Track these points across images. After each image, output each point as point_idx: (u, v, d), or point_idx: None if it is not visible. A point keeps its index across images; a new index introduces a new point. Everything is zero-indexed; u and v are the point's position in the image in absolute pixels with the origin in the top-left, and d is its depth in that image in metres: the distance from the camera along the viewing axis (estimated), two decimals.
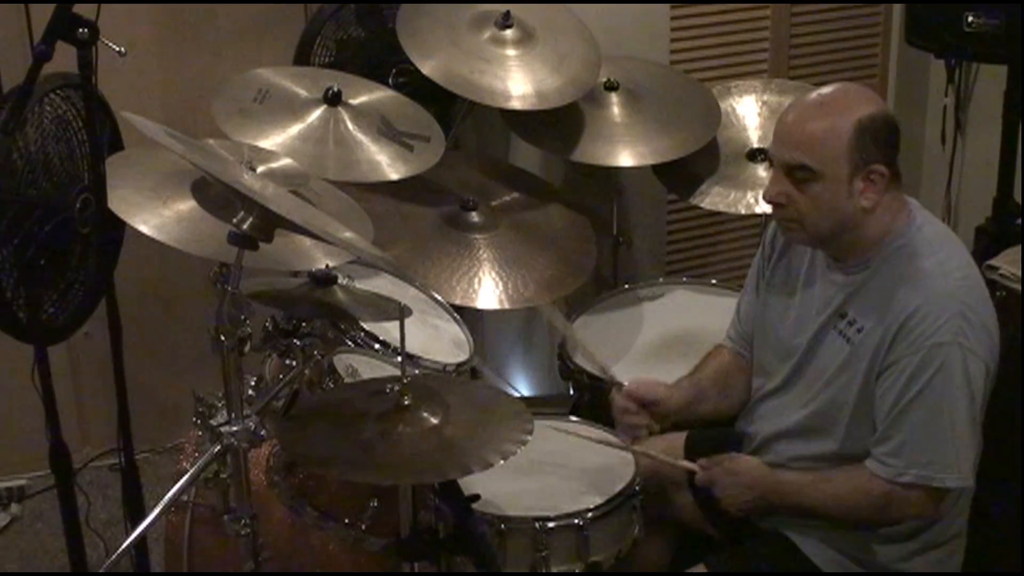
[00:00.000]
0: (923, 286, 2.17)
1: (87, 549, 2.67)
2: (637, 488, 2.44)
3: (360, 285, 2.58)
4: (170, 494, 2.19)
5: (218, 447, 2.17)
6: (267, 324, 2.56)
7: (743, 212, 3.27)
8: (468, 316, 3.01)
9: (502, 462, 2.08)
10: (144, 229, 2.25)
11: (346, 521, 2.37)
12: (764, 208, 3.21)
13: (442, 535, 2.28)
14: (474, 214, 3.09)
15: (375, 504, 2.35)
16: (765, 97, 3.48)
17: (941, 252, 2.21)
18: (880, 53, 4.05)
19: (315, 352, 2.48)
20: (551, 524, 2.32)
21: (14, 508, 3.47)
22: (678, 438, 2.60)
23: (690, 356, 2.69)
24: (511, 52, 3.15)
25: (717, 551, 2.45)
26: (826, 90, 2.25)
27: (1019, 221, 3.58)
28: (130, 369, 2.39)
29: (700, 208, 3.36)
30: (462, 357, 2.81)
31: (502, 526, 2.33)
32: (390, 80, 3.27)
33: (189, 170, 2.27)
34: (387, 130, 2.95)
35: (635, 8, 3.64)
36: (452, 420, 2.14)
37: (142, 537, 2.22)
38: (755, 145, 3.36)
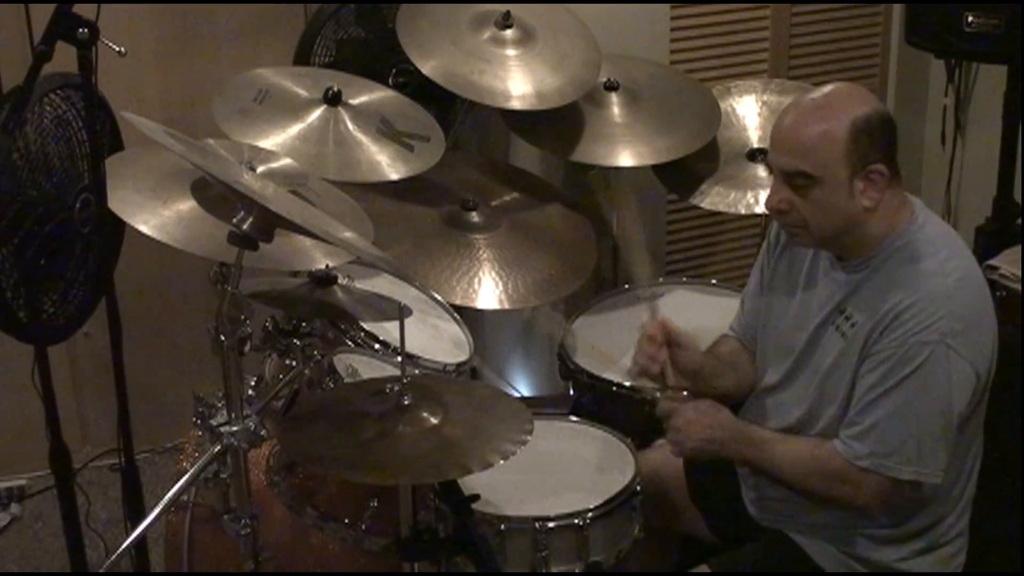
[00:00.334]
0: (920, 284, 2.17)
1: (87, 549, 2.67)
2: (637, 488, 2.44)
3: (360, 285, 2.59)
4: (170, 494, 2.20)
5: (218, 447, 2.18)
6: (267, 324, 2.56)
7: (743, 212, 3.27)
8: (468, 316, 3.01)
9: (502, 462, 2.08)
10: (144, 229, 2.25)
11: (346, 521, 2.38)
12: (764, 208, 3.22)
13: (442, 535, 2.28)
14: (474, 214, 3.09)
15: (375, 504, 2.35)
16: (765, 97, 3.48)
17: (942, 252, 2.21)
18: (880, 53, 4.05)
19: (315, 352, 2.48)
20: (551, 524, 2.32)
21: (14, 508, 3.47)
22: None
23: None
24: (511, 52, 3.15)
25: (719, 551, 2.44)
26: (819, 93, 2.24)
27: (1019, 221, 3.58)
28: (130, 369, 2.39)
29: (700, 208, 3.36)
30: (462, 357, 2.81)
31: (502, 526, 2.33)
32: (390, 80, 3.27)
33: (189, 170, 2.27)
34: (387, 130, 2.95)
35: (635, 8, 3.64)
36: (452, 420, 2.14)
37: (142, 537, 2.22)
38: (755, 145, 3.36)
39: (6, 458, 3.50)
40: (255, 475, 2.45)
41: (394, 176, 2.90)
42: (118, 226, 2.37)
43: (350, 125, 2.93)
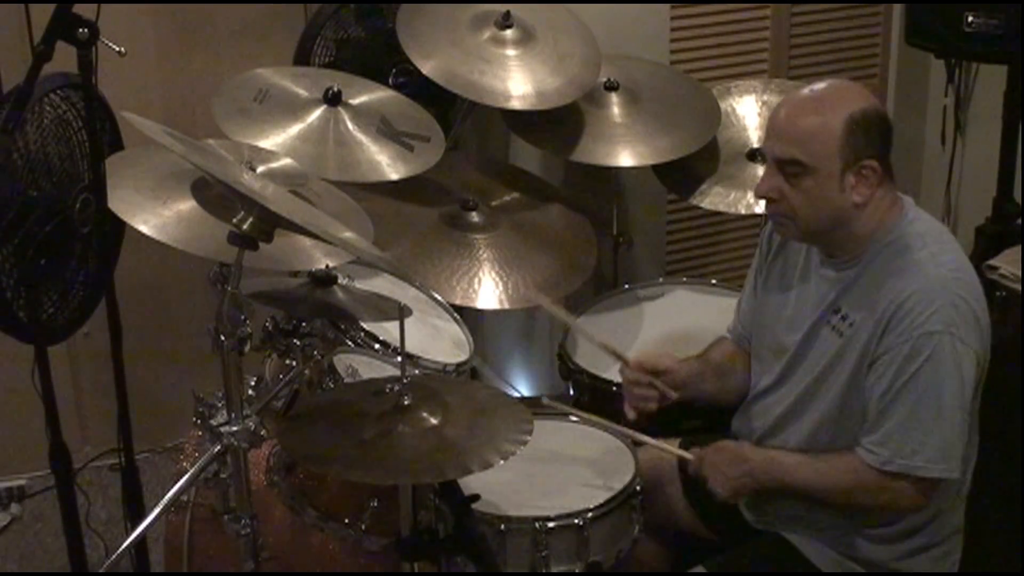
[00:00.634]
0: (915, 276, 2.17)
1: (87, 549, 2.67)
2: (637, 488, 2.44)
3: (360, 285, 2.59)
4: (170, 494, 2.20)
5: (218, 447, 2.18)
6: (267, 324, 2.56)
7: (743, 212, 3.27)
8: (468, 316, 3.01)
9: (502, 462, 2.08)
10: (144, 229, 2.25)
11: (346, 521, 2.38)
12: (764, 208, 3.22)
13: (442, 535, 2.28)
14: (474, 214, 3.09)
15: (375, 504, 2.35)
16: (765, 97, 3.48)
17: (933, 245, 2.22)
18: (880, 53, 4.05)
19: (315, 352, 2.48)
20: (551, 524, 2.32)
21: (14, 508, 3.47)
22: (671, 443, 2.59)
23: (690, 356, 2.68)
24: (511, 52, 3.15)
25: (716, 552, 2.44)
26: (818, 86, 2.26)
27: (1019, 221, 3.58)
28: (130, 369, 2.39)
29: (700, 208, 3.36)
30: (462, 357, 2.81)
31: (502, 526, 2.33)
32: (390, 80, 3.27)
33: (189, 170, 2.27)
34: (387, 130, 2.95)
35: (635, 8, 3.64)
36: (452, 420, 2.14)
37: (142, 537, 2.23)
38: (755, 145, 3.36)
39: (6, 458, 3.50)
40: (255, 475, 2.45)
41: (394, 176, 2.90)
42: (118, 226, 2.37)
43: (350, 125, 2.93)
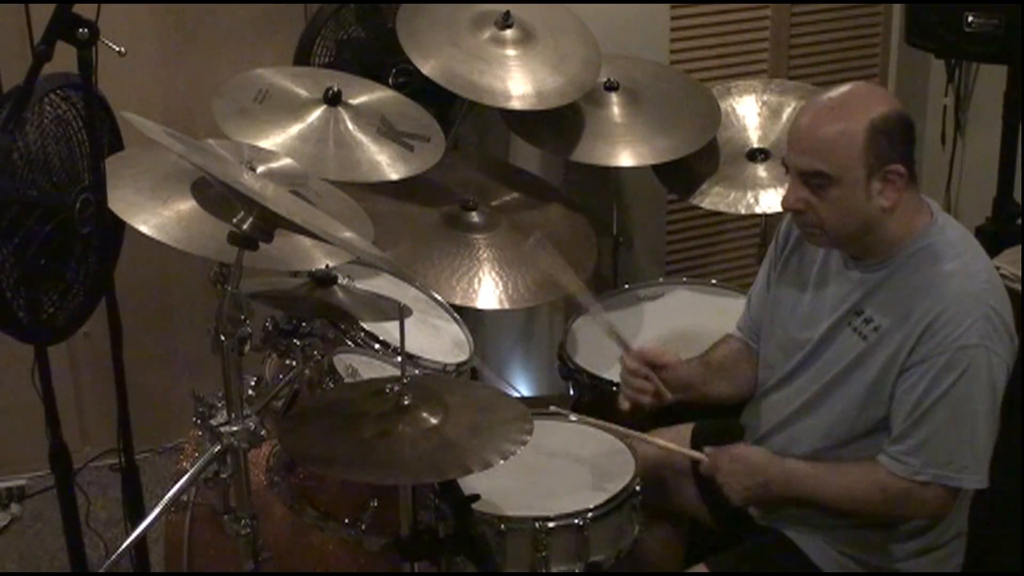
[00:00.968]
0: (949, 288, 2.16)
1: (87, 549, 2.67)
2: (637, 488, 2.44)
3: (360, 285, 2.58)
4: (170, 494, 2.20)
5: (218, 447, 2.17)
6: (267, 324, 2.56)
7: (743, 212, 3.27)
8: (468, 316, 3.01)
9: (502, 462, 2.08)
10: (144, 229, 2.25)
11: (346, 521, 2.38)
12: (764, 208, 3.23)
13: (442, 535, 2.28)
14: (474, 214, 3.09)
15: (375, 504, 2.35)
16: (765, 97, 3.48)
17: (965, 255, 2.21)
18: (880, 53, 4.05)
19: (315, 352, 2.48)
20: (551, 524, 2.32)
21: (14, 508, 3.47)
22: (685, 429, 2.60)
23: (690, 356, 2.68)
24: (511, 52, 3.15)
25: (718, 551, 2.44)
26: (837, 92, 2.22)
27: (1019, 221, 3.58)
28: (130, 369, 2.39)
29: (700, 208, 3.36)
30: (462, 357, 2.81)
31: (502, 526, 2.32)
32: (390, 80, 3.27)
33: (189, 170, 2.27)
34: (387, 130, 2.95)
35: (635, 8, 3.64)
36: (452, 420, 2.14)
37: (142, 537, 2.22)
38: (755, 145, 3.36)
39: (6, 458, 3.50)
40: (255, 475, 2.45)
41: (394, 176, 2.89)
42: (118, 226, 2.37)
43: (350, 125, 2.93)
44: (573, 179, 3.67)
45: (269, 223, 2.02)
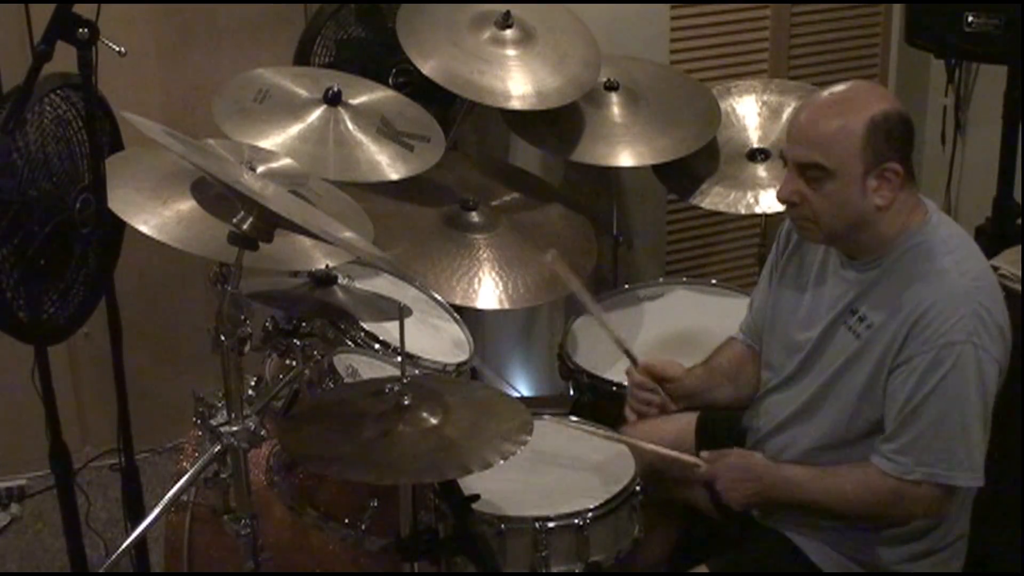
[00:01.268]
0: (938, 284, 2.16)
1: (87, 549, 2.67)
2: (637, 488, 2.44)
3: (360, 285, 2.59)
4: (170, 494, 2.19)
5: (218, 447, 2.17)
6: (267, 324, 2.56)
7: (743, 212, 3.27)
8: (468, 316, 3.01)
9: (502, 462, 2.08)
10: (144, 229, 2.25)
11: (346, 521, 2.37)
12: (764, 208, 3.23)
13: (442, 535, 2.28)
14: (474, 214, 3.09)
15: (375, 504, 2.35)
16: (765, 97, 3.48)
17: (958, 252, 2.21)
18: (880, 53, 4.05)
19: (315, 352, 2.48)
20: (551, 524, 2.32)
21: (14, 508, 3.47)
22: (690, 420, 2.59)
23: (690, 356, 2.68)
24: (511, 52, 3.15)
25: (718, 552, 2.44)
26: (839, 88, 2.24)
27: (1019, 221, 3.58)
28: (130, 369, 2.39)
29: (700, 208, 3.36)
30: (462, 357, 2.81)
31: (502, 526, 2.32)
32: (390, 80, 3.27)
33: (189, 170, 2.27)
34: (387, 130, 2.95)
35: (635, 8, 3.64)
36: (452, 420, 2.14)
37: (142, 537, 2.22)
38: (755, 145, 3.36)
39: (6, 458, 3.50)
40: (255, 475, 2.45)
41: (394, 176, 2.90)
42: (118, 226, 2.37)
43: (350, 125, 2.93)
44: (573, 179, 3.67)
45: (269, 223, 2.02)
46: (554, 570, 2.34)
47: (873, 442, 2.23)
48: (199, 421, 2.25)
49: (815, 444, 2.32)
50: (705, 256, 4.00)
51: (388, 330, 2.63)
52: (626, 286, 3.37)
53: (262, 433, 2.18)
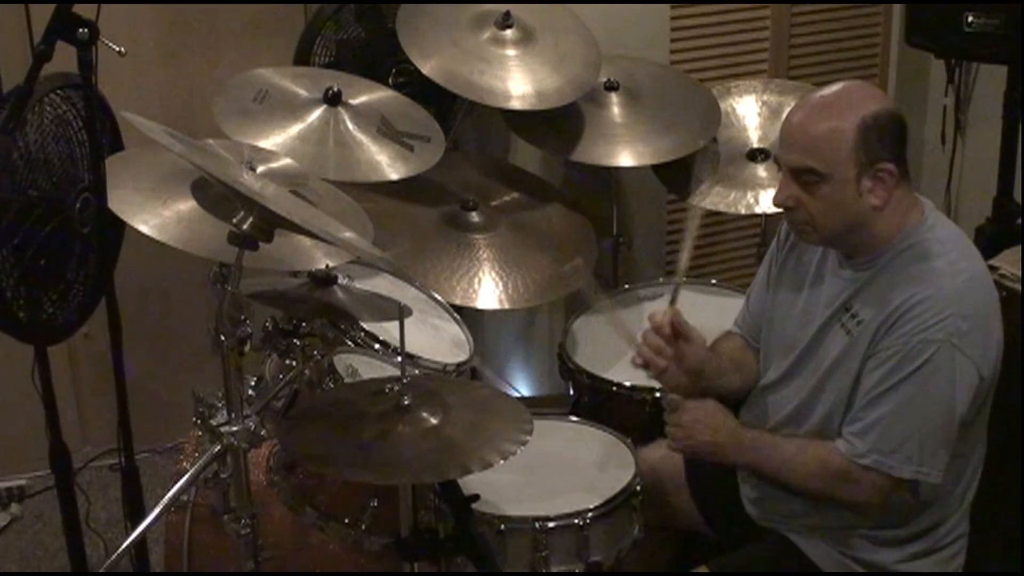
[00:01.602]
0: (929, 282, 2.16)
1: (87, 549, 2.67)
2: (637, 488, 2.44)
3: (360, 285, 2.58)
4: (170, 494, 2.20)
5: (218, 447, 2.18)
6: (267, 324, 2.56)
7: (743, 212, 3.27)
8: (468, 316, 3.01)
9: (502, 462, 2.08)
10: (144, 229, 2.25)
11: (346, 521, 2.38)
12: (764, 208, 3.23)
13: (442, 535, 2.28)
14: (474, 214, 3.09)
15: (375, 504, 2.35)
16: (765, 97, 3.48)
17: (953, 252, 2.21)
18: (880, 53, 4.05)
19: (315, 352, 2.48)
20: (551, 524, 2.32)
21: (14, 508, 3.47)
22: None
23: None
24: (511, 52, 3.15)
25: (719, 553, 2.44)
26: (829, 90, 2.24)
27: (1019, 221, 3.58)
28: (130, 369, 2.39)
29: (700, 208, 3.36)
30: (462, 357, 2.81)
31: (502, 526, 2.33)
32: (390, 80, 3.26)
33: (189, 170, 2.27)
34: (387, 130, 2.95)
35: (635, 8, 3.64)
36: (452, 420, 2.14)
37: (142, 537, 2.23)
38: (755, 145, 3.36)
39: (6, 458, 3.50)
40: (255, 475, 2.45)
41: (394, 176, 2.89)
42: (118, 226, 2.37)
43: (350, 125, 2.93)
44: (573, 179, 3.67)
45: (269, 223, 2.03)
46: (554, 570, 2.34)
47: None
48: (199, 421, 2.25)
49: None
50: (705, 256, 4.00)
51: (388, 330, 2.63)
52: (626, 286, 3.37)
53: (262, 433, 2.18)
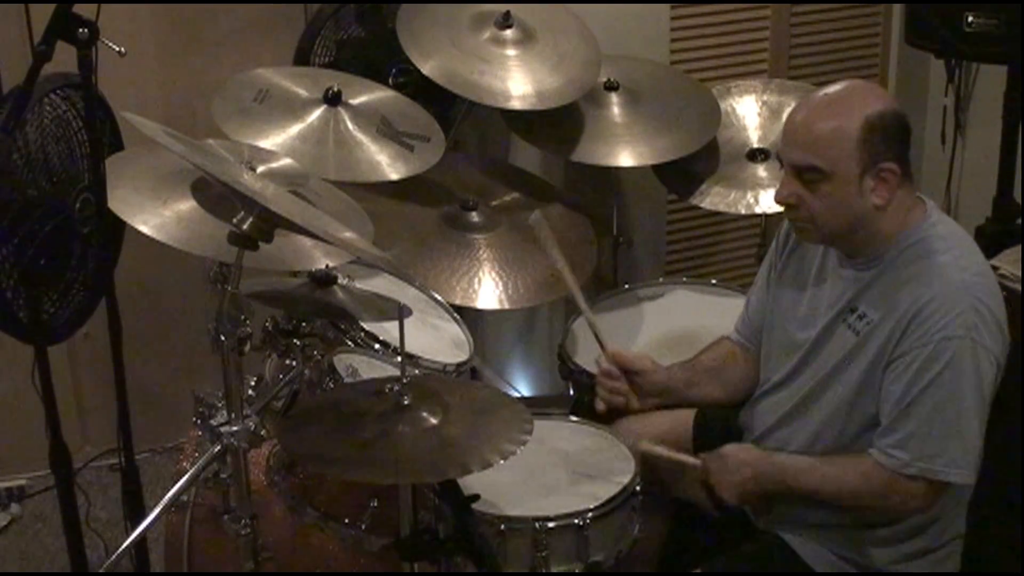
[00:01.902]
0: (937, 279, 2.16)
1: (87, 549, 2.67)
2: (637, 488, 2.44)
3: (360, 285, 2.58)
4: (170, 494, 2.20)
5: (218, 447, 2.18)
6: (267, 324, 2.56)
7: (743, 212, 3.27)
8: (468, 316, 3.01)
9: (502, 462, 2.08)
10: (144, 229, 2.25)
11: (346, 521, 2.38)
12: (764, 208, 3.23)
13: (442, 535, 2.28)
14: (474, 214, 3.09)
15: (375, 504, 2.35)
16: (765, 97, 3.48)
17: (957, 249, 2.21)
18: (880, 53, 4.05)
19: (315, 352, 2.48)
20: (551, 524, 2.32)
21: (14, 508, 3.47)
22: (687, 419, 2.59)
23: (690, 356, 2.68)
24: (511, 52, 3.15)
25: (713, 554, 2.43)
26: (833, 89, 2.24)
27: (1019, 221, 3.58)
28: (130, 369, 2.39)
29: (700, 208, 3.36)
30: (462, 357, 2.81)
31: (502, 526, 2.32)
32: (390, 80, 3.27)
33: (189, 170, 2.27)
34: (387, 130, 2.95)
35: (635, 8, 3.64)
36: (452, 420, 2.14)
37: (142, 537, 2.23)
38: (755, 145, 3.36)
39: (6, 458, 3.50)
40: (255, 475, 2.45)
41: (394, 176, 2.90)
42: (118, 226, 2.37)
43: (350, 125, 2.93)
44: (573, 179, 3.67)
45: (269, 223, 2.03)
46: (554, 570, 2.34)
47: (867, 439, 2.23)
48: (199, 421, 2.25)
49: (810, 441, 2.32)
50: (705, 256, 4.00)
51: (388, 330, 2.63)
52: (626, 286, 3.37)
53: (262, 433, 2.18)
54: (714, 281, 3.41)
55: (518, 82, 3.10)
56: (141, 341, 3.22)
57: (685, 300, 3.32)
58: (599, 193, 3.58)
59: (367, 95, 3.04)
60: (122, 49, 2.23)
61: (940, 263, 2.18)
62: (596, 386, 2.55)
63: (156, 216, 2.27)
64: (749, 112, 3.45)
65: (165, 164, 2.36)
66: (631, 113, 3.31)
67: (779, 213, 2.32)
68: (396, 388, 2.16)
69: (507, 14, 3.16)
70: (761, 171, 3.31)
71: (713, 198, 3.29)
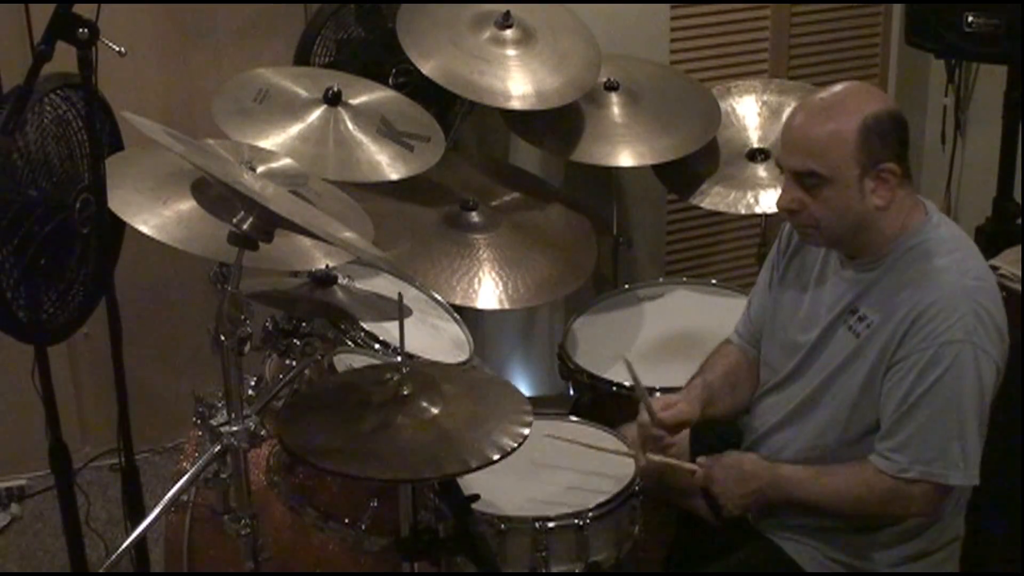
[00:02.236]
0: (938, 283, 2.16)
1: (87, 549, 2.67)
2: (637, 488, 2.44)
3: (360, 285, 2.59)
4: (170, 494, 2.20)
5: (218, 447, 2.17)
6: (267, 324, 2.56)
7: (743, 212, 3.27)
8: (468, 316, 3.01)
9: (502, 462, 2.08)
10: (144, 229, 2.25)
11: (346, 521, 2.38)
12: (764, 208, 3.23)
13: (442, 535, 2.28)
14: (474, 214, 3.09)
15: (375, 504, 2.35)
16: (765, 97, 3.48)
17: (958, 252, 2.21)
18: (880, 53, 4.05)
19: (315, 352, 2.48)
20: (551, 524, 2.32)
21: (14, 508, 3.47)
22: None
23: (690, 356, 2.68)
24: (511, 52, 3.15)
25: (710, 559, 2.43)
26: (829, 92, 2.23)
27: (1019, 221, 3.58)
28: (130, 369, 2.39)
29: (700, 208, 3.36)
30: (462, 357, 2.81)
31: (502, 526, 2.33)
32: (390, 80, 3.27)
33: (189, 170, 2.27)
34: (387, 130, 2.95)
35: (635, 8, 3.64)
36: (451, 413, 2.14)
37: (142, 537, 2.22)
38: (755, 145, 3.36)
39: (6, 458, 3.50)
40: (255, 475, 2.45)
41: (394, 176, 2.89)
42: (118, 226, 2.37)
43: (350, 125, 2.93)
44: (573, 179, 3.67)
45: (269, 223, 2.02)
46: (554, 570, 2.34)
47: (868, 443, 2.23)
48: (199, 421, 2.25)
49: (810, 444, 2.31)
50: (705, 256, 4.00)
51: (388, 330, 2.63)
52: (626, 286, 3.37)
53: (262, 433, 2.18)
54: (714, 281, 3.41)
55: (518, 82, 3.10)
56: (141, 341, 3.21)
57: (685, 300, 3.32)
58: (599, 193, 3.58)
59: (367, 95, 3.04)
60: (122, 49, 2.23)
61: (941, 266, 2.18)
62: (637, 447, 2.44)
63: (156, 216, 2.27)
64: (749, 112, 3.45)
65: (165, 164, 2.36)
66: (631, 113, 3.31)
67: (779, 213, 2.32)
68: (395, 378, 2.15)
69: (507, 14, 3.16)
70: (761, 171, 3.31)
71: (713, 198, 3.29)
